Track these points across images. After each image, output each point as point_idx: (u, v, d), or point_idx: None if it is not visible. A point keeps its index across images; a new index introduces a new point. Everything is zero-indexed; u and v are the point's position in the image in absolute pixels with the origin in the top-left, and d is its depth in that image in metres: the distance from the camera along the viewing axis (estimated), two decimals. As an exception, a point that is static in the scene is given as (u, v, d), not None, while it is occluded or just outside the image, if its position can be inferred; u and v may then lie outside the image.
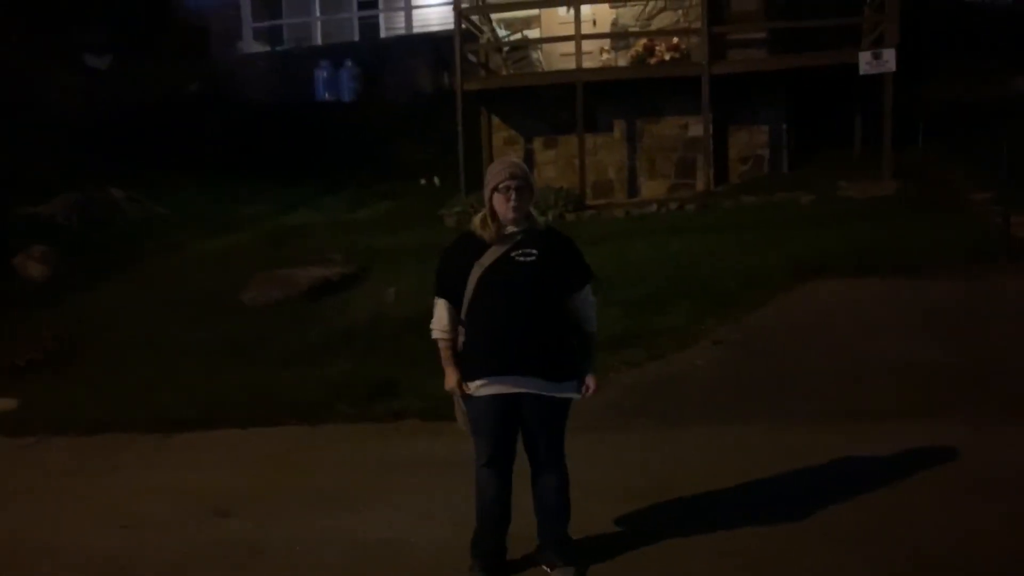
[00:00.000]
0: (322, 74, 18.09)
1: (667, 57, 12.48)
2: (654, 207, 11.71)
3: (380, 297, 8.69)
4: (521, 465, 3.73)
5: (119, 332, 8.79)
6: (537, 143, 13.42)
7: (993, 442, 4.78)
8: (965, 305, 7.02)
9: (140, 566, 4.18)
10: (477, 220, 3.60)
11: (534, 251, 3.53)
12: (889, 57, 11.09)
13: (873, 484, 4.32)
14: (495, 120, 13.55)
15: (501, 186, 3.51)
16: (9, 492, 5.42)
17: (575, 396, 3.64)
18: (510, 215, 3.53)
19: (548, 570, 3.71)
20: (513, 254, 3.53)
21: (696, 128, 12.42)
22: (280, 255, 10.70)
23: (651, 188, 12.87)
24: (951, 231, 8.57)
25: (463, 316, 3.59)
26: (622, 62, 12.91)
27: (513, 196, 3.49)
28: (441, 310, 3.64)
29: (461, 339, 3.64)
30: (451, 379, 3.64)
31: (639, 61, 12.59)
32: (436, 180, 14.33)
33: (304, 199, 14.20)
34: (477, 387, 3.56)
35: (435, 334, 3.68)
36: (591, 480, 4.27)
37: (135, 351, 8.20)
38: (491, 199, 3.56)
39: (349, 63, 18.05)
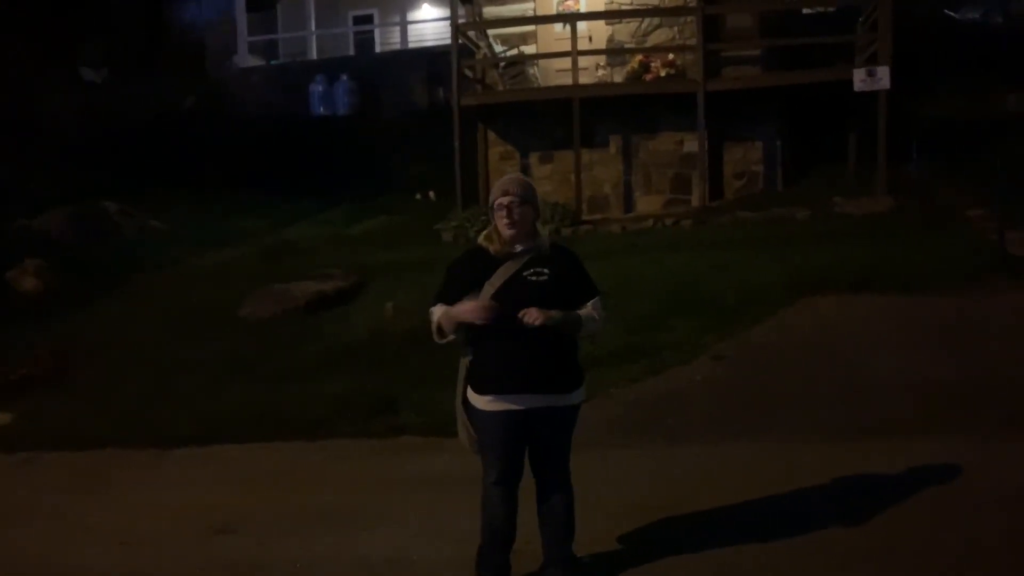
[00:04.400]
0: (318, 88, 18.12)
1: (663, 73, 12.51)
2: (650, 222, 11.73)
3: (378, 312, 8.66)
4: (524, 481, 3.71)
5: (115, 347, 8.73)
6: (533, 158, 13.42)
7: (995, 459, 4.78)
8: (963, 321, 7.02)
9: (140, 584, 4.14)
10: (484, 234, 3.67)
11: (545, 270, 3.55)
12: (883, 74, 11.15)
13: (876, 501, 4.31)
14: (491, 135, 13.56)
15: (496, 204, 3.58)
16: (4, 509, 5.37)
17: (581, 400, 3.65)
18: (506, 232, 3.56)
19: (554, 587, 3.69)
20: (524, 273, 3.55)
21: (691, 144, 12.44)
22: (277, 270, 10.66)
23: (646, 203, 12.88)
24: (948, 248, 8.59)
25: (471, 333, 3.58)
26: (618, 78, 12.95)
27: (505, 214, 3.54)
28: (439, 310, 3.61)
29: (469, 358, 3.65)
30: (468, 307, 3.49)
31: (635, 77, 12.63)
32: (432, 195, 14.33)
33: (300, 214, 14.17)
34: (487, 402, 3.55)
35: (436, 316, 3.61)
36: (594, 497, 4.25)
37: (131, 366, 8.15)
38: (493, 216, 3.62)
39: (344, 78, 18.09)
